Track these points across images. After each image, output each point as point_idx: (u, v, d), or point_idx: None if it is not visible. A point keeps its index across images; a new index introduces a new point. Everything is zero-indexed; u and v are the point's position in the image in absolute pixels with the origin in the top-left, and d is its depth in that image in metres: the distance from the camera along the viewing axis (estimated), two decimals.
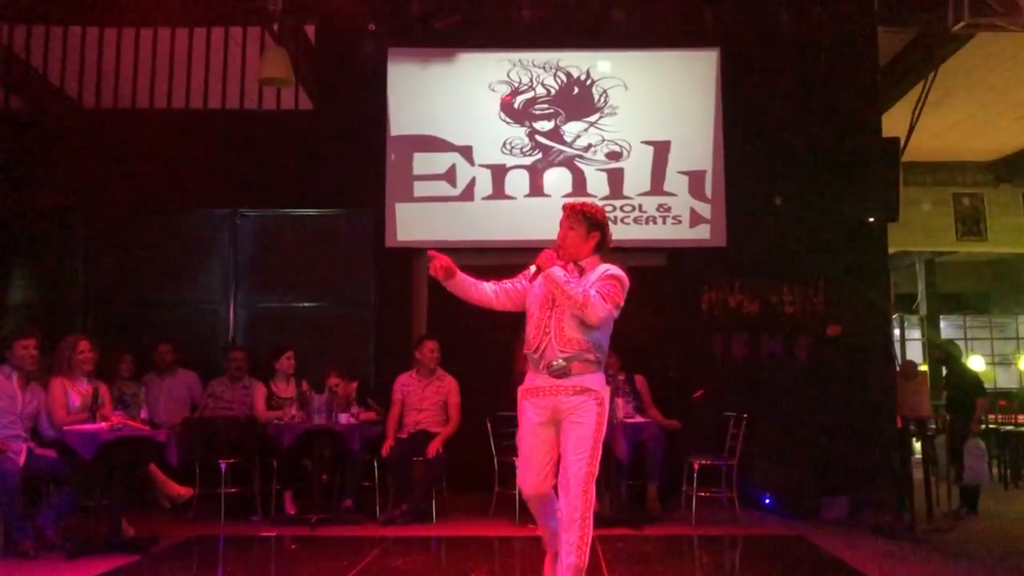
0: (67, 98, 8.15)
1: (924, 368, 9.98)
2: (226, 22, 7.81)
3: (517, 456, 3.93)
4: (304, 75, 7.71)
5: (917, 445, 7.49)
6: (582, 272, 3.81)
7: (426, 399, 6.74)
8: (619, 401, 6.19)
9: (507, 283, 3.94)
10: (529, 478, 3.80)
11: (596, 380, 3.75)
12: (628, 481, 6.49)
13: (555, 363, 3.69)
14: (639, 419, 6.44)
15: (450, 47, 7.86)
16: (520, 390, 3.86)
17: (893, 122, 8.06)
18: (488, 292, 3.90)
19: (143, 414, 5.78)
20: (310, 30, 7.99)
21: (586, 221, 3.86)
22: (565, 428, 3.71)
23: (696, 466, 6.37)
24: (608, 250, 3.93)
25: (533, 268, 3.79)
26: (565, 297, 3.65)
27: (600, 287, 3.71)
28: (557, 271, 3.71)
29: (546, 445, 3.76)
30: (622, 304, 3.75)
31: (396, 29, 7.71)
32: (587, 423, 3.67)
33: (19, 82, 8.10)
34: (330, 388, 6.58)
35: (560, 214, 3.96)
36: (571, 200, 4.01)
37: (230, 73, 7.96)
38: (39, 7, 7.60)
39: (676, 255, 7.79)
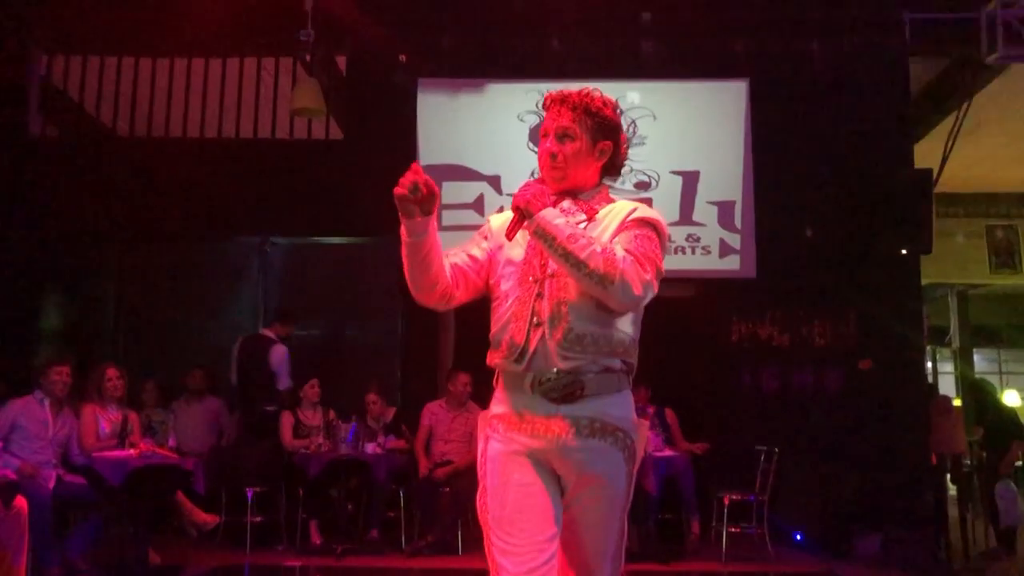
0: (102, 127, 8.29)
1: (958, 403, 9.80)
2: (259, 53, 7.92)
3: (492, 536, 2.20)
4: (335, 105, 7.78)
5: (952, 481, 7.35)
6: (590, 216, 2.28)
7: (454, 431, 6.71)
8: (649, 434, 6.11)
9: (462, 255, 2.36)
10: (522, 557, 2.11)
11: (625, 410, 2.22)
12: (657, 515, 6.41)
13: (553, 376, 2.15)
14: (669, 452, 6.37)
15: (479, 78, 7.90)
16: (485, 420, 2.33)
17: (925, 152, 7.97)
18: (446, 272, 2.29)
19: (171, 441, 5.83)
20: (341, 61, 8.07)
21: (592, 121, 2.29)
22: (578, 500, 2.19)
23: (726, 501, 6.28)
24: (618, 174, 2.42)
25: (508, 214, 2.27)
26: (574, 263, 2.09)
27: (631, 243, 2.17)
28: (553, 216, 2.14)
29: (546, 507, 2.16)
30: (663, 271, 2.21)
31: (426, 60, 7.77)
32: (612, 493, 2.19)
33: (56, 111, 8.24)
34: (368, 403, 6.61)
35: None
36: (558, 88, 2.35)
37: (262, 103, 8.05)
38: (77, 38, 7.76)
39: (705, 286, 7.72)
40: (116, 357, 7.48)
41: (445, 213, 7.78)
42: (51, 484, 5.38)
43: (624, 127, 2.41)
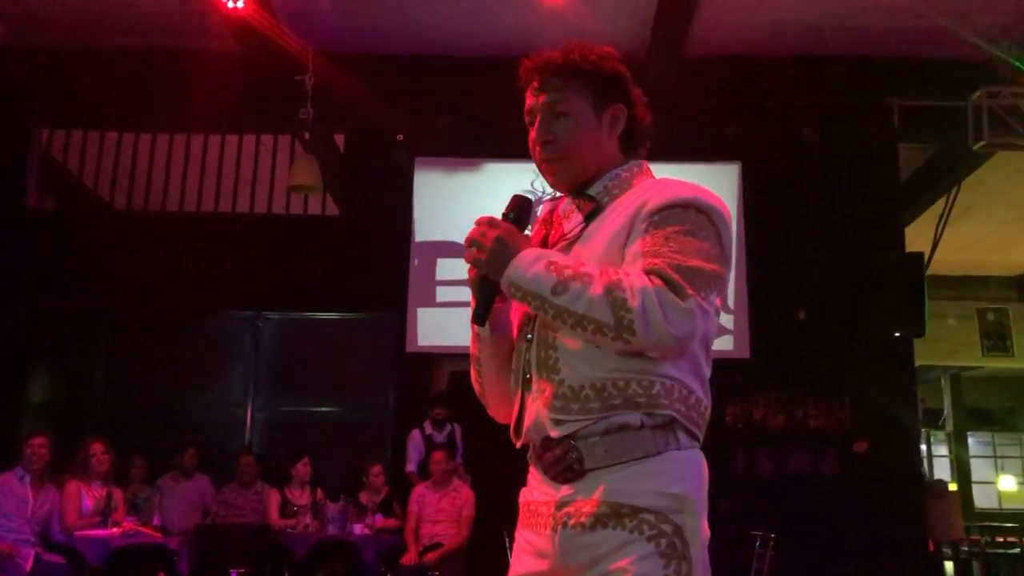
0: (100, 200, 8.33)
1: (954, 487, 9.70)
2: (258, 130, 8.02)
3: None
4: (332, 182, 7.85)
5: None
6: (594, 211, 1.68)
7: (442, 511, 6.55)
8: None
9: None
10: None
11: (656, 481, 1.56)
12: None
13: (553, 447, 1.61)
14: None
15: (476, 156, 8.00)
16: (519, 502, 1.78)
17: (916, 235, 8.07)
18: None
19: (156, 520, 5.71)
20: (339, 138, 8.18)
21: (588, 83, 1.70)
22: None
23: None
24: (646, 142, 1.81)
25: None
26: (573, 321, 1.50)
27: (654, 252, 1.53)
28: (528, 264, 1.54)
29: None
30: (726, 276, 1.60)
31: (423, 138, 7.87)
32: None
33: (54, 184, 8.30)
34: (371, 476, 6.63)
35: None
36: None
37: (260, 179, 8.12)
38: (79, 113, 7.85)
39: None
40: (105, 432, 7.36)
41: (440, 289, 7.79)
42: (28, 564, 5.24)
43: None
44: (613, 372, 1.55)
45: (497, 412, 1.82)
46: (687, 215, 1.58)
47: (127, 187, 8.19)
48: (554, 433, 1.58)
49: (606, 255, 1.60)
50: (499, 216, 1.69)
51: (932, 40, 7.03)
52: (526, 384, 1.66)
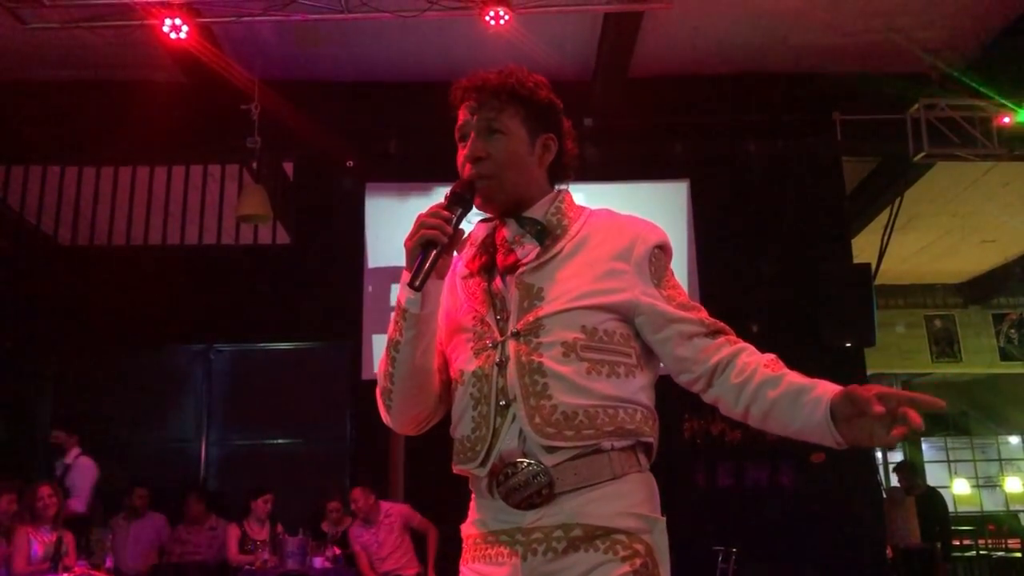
0: (43, 236, 8.15)
1: None
2: (205, 160, 7.92)
3: None
4: (282, 210, 7.77)
5: None
6: (548, 239, 1.67)
7: (384, 545, 6.36)
8: None
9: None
10: None
11: (626, 501, 1.57)
12: None
13: (509, 472, 1.55)
14: None
15: (426, 181, 7.98)
16: (464, 535, 1.68)
17: (862, 246, 8.22)
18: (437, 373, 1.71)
19: (109, 562, 5.55)
20: (288, 166, 8.11)
21: (525, 110, 1.69)
22: None
23: None
24: (570, 175, 1.80)
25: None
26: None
27: (693, 307, 1.74)
28: None
29: None
30: None
31: (373, 164, 7.84)
32: None
33: None
34: (328, 511, 6.50)
35: None
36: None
37: (208, 209, 8.02)
38: (21, 148, 7.68)
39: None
40: (53, 473, 7.16)
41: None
42: None
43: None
44: (602, 400, 1.57)
45: (400, 414, 1.70)
46: (665, 253, 1.74)
47: (71, 222, 8.03)
48: (550, 460, 1.54)
49: (590, 288, 1.62)
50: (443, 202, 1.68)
51: (871, 56, 7.21)
52: (500, 411, 1.58)
